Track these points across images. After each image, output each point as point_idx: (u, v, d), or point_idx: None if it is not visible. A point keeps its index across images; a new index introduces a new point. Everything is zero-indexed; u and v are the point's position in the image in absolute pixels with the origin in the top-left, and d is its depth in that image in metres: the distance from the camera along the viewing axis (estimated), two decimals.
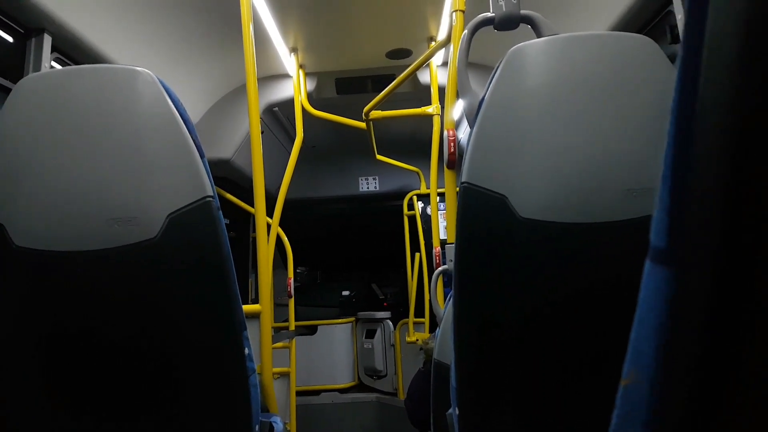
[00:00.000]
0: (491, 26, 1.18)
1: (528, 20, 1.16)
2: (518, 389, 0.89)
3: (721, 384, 0.22)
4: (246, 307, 1.38)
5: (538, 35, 1.13)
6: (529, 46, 0.88)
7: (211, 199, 0.89)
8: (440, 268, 2.10)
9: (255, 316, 1.54)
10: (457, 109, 1.88)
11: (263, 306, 1.48)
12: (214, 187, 0.92)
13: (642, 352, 0.25)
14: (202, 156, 0.91)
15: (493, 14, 1.17)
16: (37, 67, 1.65)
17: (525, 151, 0.84)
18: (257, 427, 1.04)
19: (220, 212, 0.92)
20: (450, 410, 1.10)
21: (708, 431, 0.23)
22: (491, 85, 0.88)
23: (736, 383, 0.22)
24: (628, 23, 1.76)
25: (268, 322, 1.50)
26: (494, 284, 0.87)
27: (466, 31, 1.17)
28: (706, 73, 0.21)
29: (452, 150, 1.58)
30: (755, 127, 0.20)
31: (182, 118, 0.90)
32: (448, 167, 1.60)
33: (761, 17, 0.19)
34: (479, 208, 0.86)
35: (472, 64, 2.65)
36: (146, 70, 0.90)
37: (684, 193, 0.22)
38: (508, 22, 1.17)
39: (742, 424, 0.22)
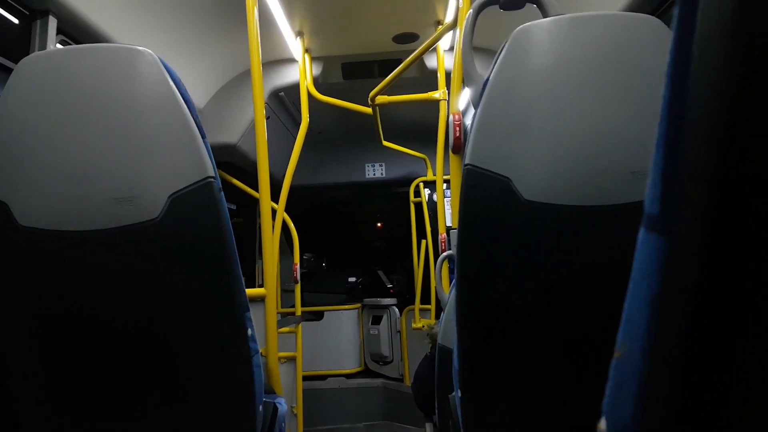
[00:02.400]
0: (497, 8, 1.16)
1: (534, 0, 1.14)
2: (520, 372, 0.89)
3: (712, 354, 0.22)
4: (251, 291, 1.38)
5: (544, 15, 1.11)
6: (535, 27, 0.86)
7: (212, 179, 0.89)
8: (445, 253, 2.09)
9: (260, 299, 1.55)
10: (464, 93, 1.86)
11: (268, 290, 1.49)
12: (216, 167, 0.92)
13: (634, 323, 0.25)
14: (203, 136, 0.91)
15: None
16: (43, 49, 1.65)
17: (530, 133, 0.83)
18: (260, 407, 1.05)
19: (222, 193, 0.92)
20: (453, 393, 1.10)
21: (699, 402, 0.23)
22: (496, 66, 0.87)
23: (727, 353, 0.21)
24: (641, 5, 1.72)
25: (273, 305, 1.51)
26: (497, 267, 0.87)
27: (470, 12, 1.15)
28: (700, 35, 0.20)
29: (458, 134, 1.56)
30: (746, 92, 0.19)
31: (183, 98, 0.89)
32: (454, 152, 1.59)
33: None
34: (482, 191, 0.85)
35: (480, 48, 2.63)
36: (147, 50, 0.89)
37: (677, 159, 0.22)
38: (513, 2, 1.15)
39: (732, 395, 0.22)
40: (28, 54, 1.65)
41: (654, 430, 0.25)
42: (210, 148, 0.92)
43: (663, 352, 0.24)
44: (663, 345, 0.24)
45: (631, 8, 1.74)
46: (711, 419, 0.23)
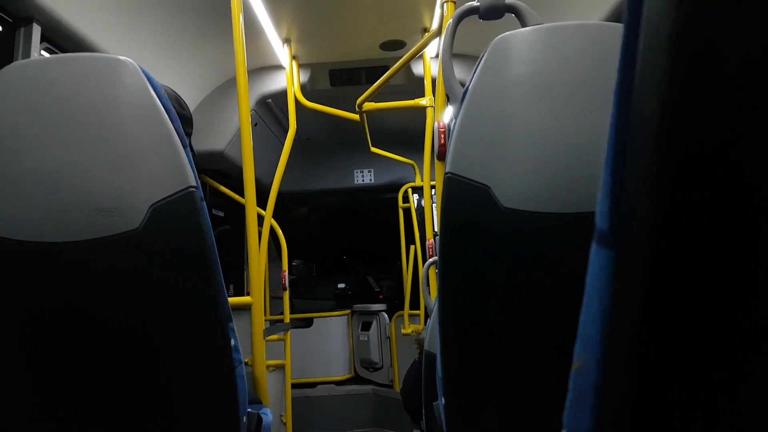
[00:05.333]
0: (478, 17, 1.18)
1: (513, 10, 1.15)
2: (502, 379, 0.90)
3: (661, 363, 0.22)
4: (236, 299, 1.38)
5: (523, 25, 1.12)
6: (514, 36, 0.87)
7: (194, 189, 0.89)
8: (431, 260, 2.10)
9: (247, 308, 1.54)
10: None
11: (254, 297, 1.48)
12: (198, 177, 0.92)
13: (589, 335, 0.25)
14: (185, 146, 0.91)
15: (478, 3, 1.16)
16: (27, 57, 1.64)
17: (509, 141, 0.84)
18: (244, 418, 1.04)
19: (204, 203, 0.92)
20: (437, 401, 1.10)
21: (652, 412, 0.23)
22: (475, 75, 0.88)
23: (676, 362, 0.22)
24: (620, 15, 1.75)
25: (260, 313, 1.50)
26: (477, 275, 0.87)
27: (450, 21, 1.16)
28: (642, 54, 0.21)
29: (442, 141, 1.57)
30: (688, 108, 0.20)
31: (165, 108, 0.89)
32: (439, 159, 1.59)
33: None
34: (462, 199, 0.86)
35: (463, 55, 2.64)
36: (129, 59, 0.89)
37: (623, 174, 0.22)
38: (492, 12, 1.16)
39: (683, 404, 0.22)
40: (11, 62, 1.64)
41: None
42: (192, 158, 0.92)
43: (615, 363, 0.24)
44: (615, 356, 0.24)
45: (611, 18, 1.76)
46: (664, 429, 0.23)
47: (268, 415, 1.23)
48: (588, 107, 0.82)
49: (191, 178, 0.89)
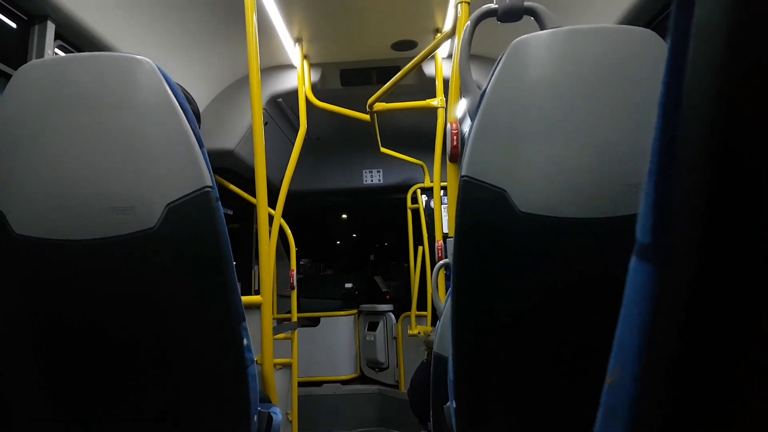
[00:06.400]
0: (495, 18, 1.17)
1: (531, 12, 1.15)
2: (515, 384, 0.89)
3: (702, 384, 0.22)
4: (247, 298, 1.38)
5: (542, 27, 1.11)
6: (532, 39, 0.87)
7: (210, 189, 0.89)
8: (441, 262, 2.09)
9: (256, 306, 1.54)
10: (462, 102, 1.87)
11: (264, 297, 1.48)
12: (213, 177, 0.92)
13: (626, 349, 0.25)
14: (201, 146, 0.91)
15: (497, 6, 1.15)
16: (41, 55, 1.65)
17: (526, 145, 0.83)
18: (255, 417, 1.05)
19: (219, 203, 0.92)
20: (448, 403, 1.10)
21: (689, 429, 0.23)
22: (493, 78, 0.87)
23: (717, 381, 0.22)
24: (635, 18, 1.74)
25: (269, 312, 1.50)
26: (492, 278, 0.87)
27: (468, 23, 1.16)
28: (692, 66, 0.21)
29: (455, 143, 1.57)
30: (739, 122, 0.19)
31: (182, 108, 0.89)
32: (451, 161, 1.59)
33: (746, 11, 0.19)
34: (478, 202, 0.85)
35: (478, 56, 2.64)
36: (146, 59, 0.90)
37: (668, 188, 0.22)
38: (511, 14, 1.16)
39: (722, 422, 0.22)
40: (26, 59, 1.65)
41: None
42: (208, 158, 0.92)
43: (654, 379, 0.24)
44: (654, 372, 0.24)
45: (627, 21, 1.75)
46: None
47: (278, 414, 1.23)
48: (605, 111, 0.82)
49: (207, 178, 0.89)
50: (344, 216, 5.29)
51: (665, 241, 0.22)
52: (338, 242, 5.39)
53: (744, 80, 0.19)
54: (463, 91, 1.12)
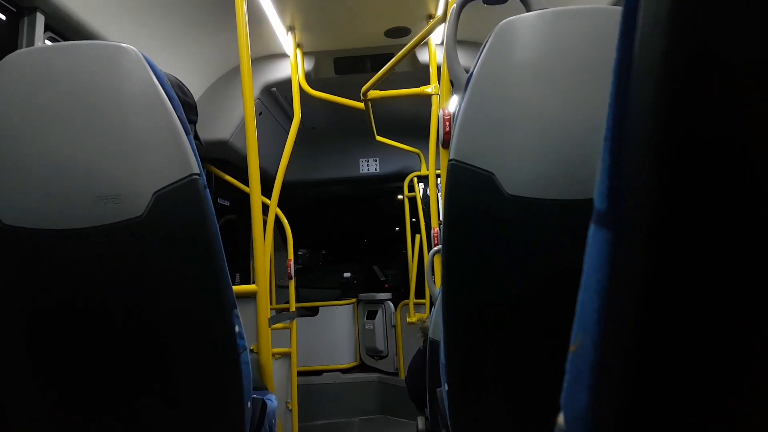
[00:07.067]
0: (482, 2, 1.16)
1: None
2: (504, 365, 0.90)
3: (658, 343, 0.22)
4: (241, 287, 1.38)
5: (528, 9, 1.11)
6: (519, 21, 0.86)
7: (197, 176, 0.89)
8: (436, 248, 2.10)
9: (252, 296, 1.55)
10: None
11: (259, 286, 1.49)
12: (201, 165, 0.92)
13: (586, 315, 0.25)
14: (188, 133, 0.91)
15: None
16: (30, 46, 1.64)
17: (513, 127, 0.83)
18: (249, 404, 1.05)
19: (207, 190, 0.92)
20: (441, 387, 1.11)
21: (648, 392, 0.23)
22: (479, 61, 0.87)
23: (673, 343, 0.22)
24: None
25: (264, 301, 1.51)
26: (481, 262, 0.87)
27: (454, 6, 1.15)
28: (641, 35, 0.21)
29: (447, 129, 1.56)
30: (687, 87, 0.19)
31: (167, 96, 0.89)
32: (444, 147, 1.59)
33: None
34: (466, 186, 0.85)
35: (468, 42, 2.62)
36: (132, 47, 0.89)
37: (621, 154, 0.22)
38: None
39: (680, 384, 0.22)
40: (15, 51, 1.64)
41: (607, 421, 0.25)
42: (195, 146, 0.92)
43: (612, 343, 0.24)
44: (612, 336, 0.24)
45: (615, 2, 1.74)
46: (660, 408, 0.23)
47: (273, 401, 1.24)
48: (593, 92, 0.82)
49: (194, 166, 0.89)
50: (341, 205, 5.29)
51: (620, 206, 0.22)
52: (336, 232, 5.39)
53: (691, 45, 0.19)
54: (451, 75, 1.11)
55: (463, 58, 1.16)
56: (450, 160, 0.87)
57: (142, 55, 0.90)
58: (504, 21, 0.87)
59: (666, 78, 0.20)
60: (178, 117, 0.90)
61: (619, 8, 0.78)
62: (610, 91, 0.75)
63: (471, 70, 0.89)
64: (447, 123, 1.57)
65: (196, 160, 0.91)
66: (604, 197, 0.23)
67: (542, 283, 0.84)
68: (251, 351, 1.21)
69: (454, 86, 1.11)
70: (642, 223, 0.21)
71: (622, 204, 0.22)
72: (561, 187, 0.81)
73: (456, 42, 1.14)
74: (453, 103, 1.79)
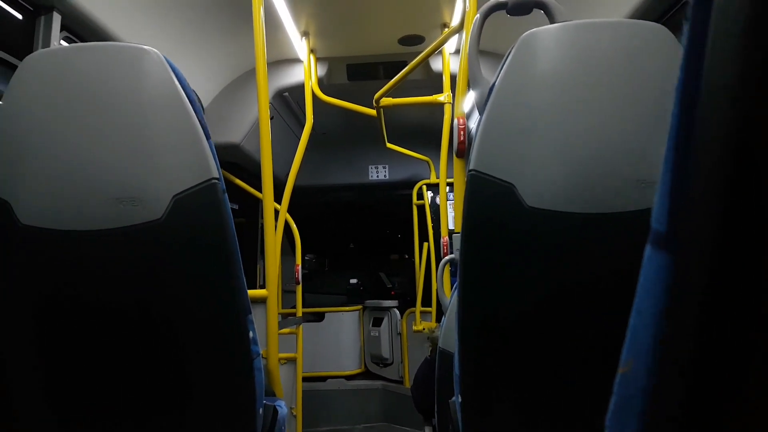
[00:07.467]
0: (504, 12, 1.16)
1: (541, 5, 1.14)
2: (521, 379, 0.89)
3: (718, 377, 0.21)
4: (252, 292, 1.38)
5: (551, 21, 1.10)
6: (542, 32, 0.86)
7: (216, 181, 0.89)
8: (447, 257, 2.09)
9: (261, 300, 1.54)
10: (469, 97, 1.87)
11: (270, 291, 1.48)
12: (220, 169, 0.92)
13: (640, 340, 0.24)
14: (208, 138, 0.91)
15: None
16: (47, 46, 1.65)
17: (534, 139, 0.83)
18: (261, 410, 1.05)
19: (226, 195, 0.92)
20: (453, 398, 1.10)
21: (704, 421, 0.22)
22: (502, 72, 0.87)
23: (733, 372, 0.21)
24: (645, 12, 1.72)
25: (274, 306, 1.50)
26: (499, 274, 0.86)
27: (477, 16, 1.15)
28: (711, 54, 0.20)
29: (462, 138, 1.56)
30: (758, 112, 0.19)
31: (189, 99, 0.89)
32: (458, 156, 1.58)
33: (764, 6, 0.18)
34: (486, 197, 0.85)
35: (486, 52, 2.62)
36: (153, 49, 0.89)
37: (686, 175, 0.21)
38: (521, 7, 1.15)
39: (738, 414, 0.21)
40: (31, 50, 1.65)
41: None
42: (214, 149, 0.92)
43: (668, 370, 0.23)
44: (668, 363, 0.23)
45: (637, 15, 1.74)
46: None
47: (283, 408, 1.23)
48: (615, 106, 0.81)
49: (214, 170, 0.89)
50: (350, 212, 5.29)
51: (682, 229, 0.22)
52: (343, 238, 5.39)
53: (764, 69, 0.19)
54: (472, 85, 1.11)
55: (482, 69, 1.15)
56: (469, 171, 0.86)
57: (164, 57, 0.90)
58: (527, 32, 0.86)
59: (741, 96, 0.19)
60: (199, 120, 0.89)
61: (643, 22, 0.77)
62: (636, 108, 0.74)
63: (493, 81, 0.89)
64: (462, 132, 1.57)
65: (216, 164, 0.90)
66: (663, 219, 0.23)
67: (561, 297, 0.84)
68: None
69: (476, 96, 1.11)
70: (708, 248, 0.21)
71: (686, 227, 0.21)
72: (582, 201, 0.80)
73: (478, 52, 1.14)
74: (466, 109, 1.78)
